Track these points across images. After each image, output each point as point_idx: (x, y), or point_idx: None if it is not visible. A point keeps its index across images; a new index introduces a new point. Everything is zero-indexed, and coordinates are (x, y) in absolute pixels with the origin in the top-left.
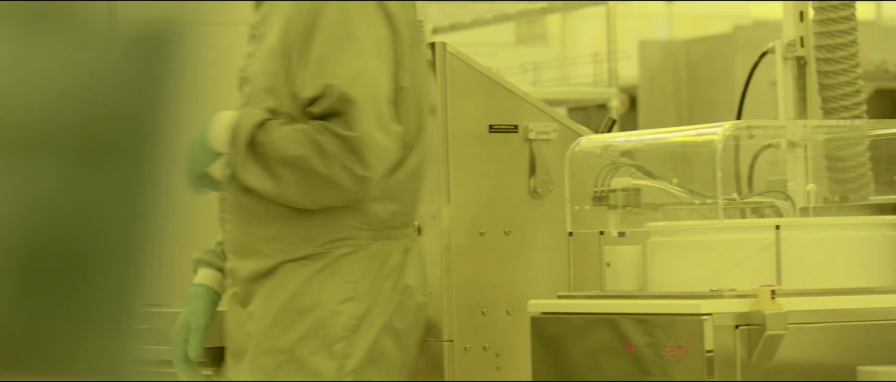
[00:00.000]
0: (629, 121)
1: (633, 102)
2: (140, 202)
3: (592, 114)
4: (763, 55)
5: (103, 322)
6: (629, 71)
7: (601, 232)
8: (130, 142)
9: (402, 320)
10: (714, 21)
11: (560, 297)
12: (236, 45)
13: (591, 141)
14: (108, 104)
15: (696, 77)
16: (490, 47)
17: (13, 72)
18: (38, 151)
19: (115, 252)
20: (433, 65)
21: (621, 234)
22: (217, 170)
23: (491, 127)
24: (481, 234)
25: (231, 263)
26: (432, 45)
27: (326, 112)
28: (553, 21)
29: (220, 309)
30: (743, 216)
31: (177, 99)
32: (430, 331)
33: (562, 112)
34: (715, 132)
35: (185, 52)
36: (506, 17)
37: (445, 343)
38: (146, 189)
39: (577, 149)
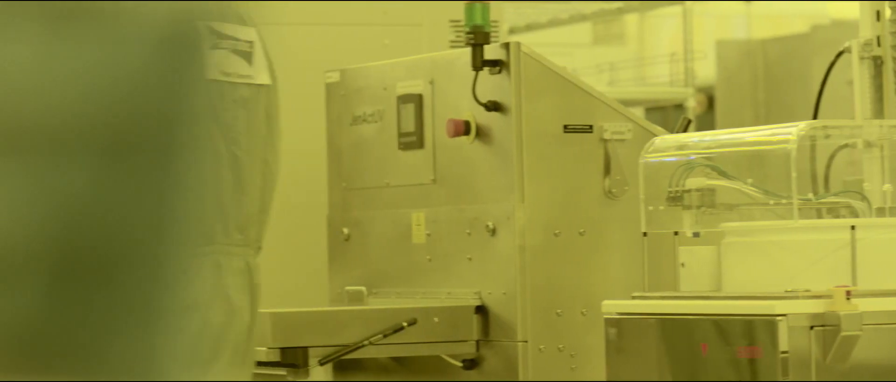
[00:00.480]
0: (707, 121)
1: (711, 102)
2: (167, 202)
3: (670, 115)
4: (839, 55)
5: (132, 323)
6: (707, 71)
7: (675, 233)
8: (158, 142)
9: None
10: (792, 21)
11: (634, 298)
12: (310, 45)
13: (666, 141)
14: (136, 104)
15: (774, 77)
16: (566, 47)
17: (41, 72)
18: (67, 152)
19: (144, 252)
20: (508, 64)
21: (696, 235)
22: None
23: (566, 127)
24: (556, 235)
25: None
26: (506, 45)
27: None
28: (631, 21)
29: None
30: (818, 216)
31: (203, 98)
32: (505, 332)
33: (638, 112)
34: (790, 132)
35: (210, 53)
36: (582, 18)
37: (520, 343)
38: (173, 189)
39: (651, 150)
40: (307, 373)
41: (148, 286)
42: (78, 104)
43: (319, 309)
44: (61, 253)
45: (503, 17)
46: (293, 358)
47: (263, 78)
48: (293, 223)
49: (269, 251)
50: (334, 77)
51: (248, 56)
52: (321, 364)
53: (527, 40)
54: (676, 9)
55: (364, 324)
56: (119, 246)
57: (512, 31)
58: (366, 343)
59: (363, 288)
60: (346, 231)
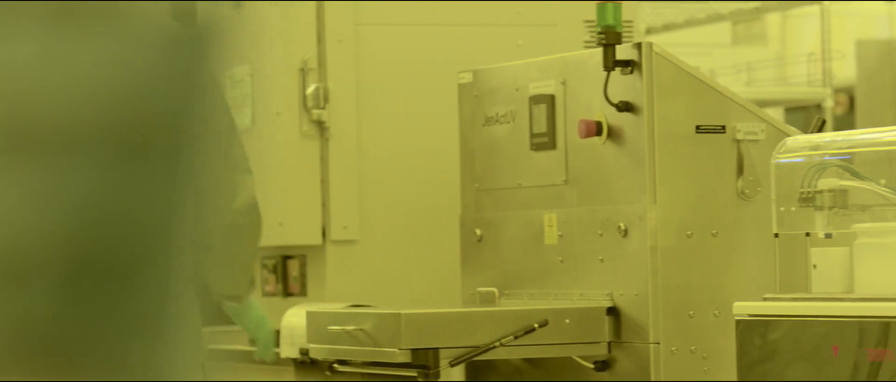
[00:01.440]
0: (847, 121)
1: (851, 103)
2: (178, 200)
3: (811, 115)
4: None
5: (144, 321)
6: (847, 71)
7: (807, 234)
8: (169, 140)
9: None
10: None
11: (765, 299)
12: (444, 45)
13: (798, 142)
14: (147, 103)
15: None
16: (705, 47)
17: (49, 70)
18: (80, 151)
19: (155, 250)
20: (639, 65)
21: (828, 236)
22: None
23: (698, 127)
24: (688, 236)
25: None
26: (638, 45)
27: None
28: (772, 21)
29: None
30: None
31: (214, 97)
32: (637, 334)
33: (778, 112)
34: None
35: (222, 51)
36: (719, 17)
37: (652, 345)
38: (185, 187)
39: (782, 150)
40: (438, 374)
41: (160, 284)
42: (88, 102)
43: (450, 310)
44: (74, 253)
45: (639, 17)
46: (424, 359)
47: None
48: (426, 224)
49: (402, 252)
50: (467, 78)
51: None
52: (452, 365)
53: (664, 40)
54: (816, 8)
55: (495, 326)
56: (131, 245)
57: (649, 31)
58: (497, 344)
59: (495, 290)
60: (478, 232)
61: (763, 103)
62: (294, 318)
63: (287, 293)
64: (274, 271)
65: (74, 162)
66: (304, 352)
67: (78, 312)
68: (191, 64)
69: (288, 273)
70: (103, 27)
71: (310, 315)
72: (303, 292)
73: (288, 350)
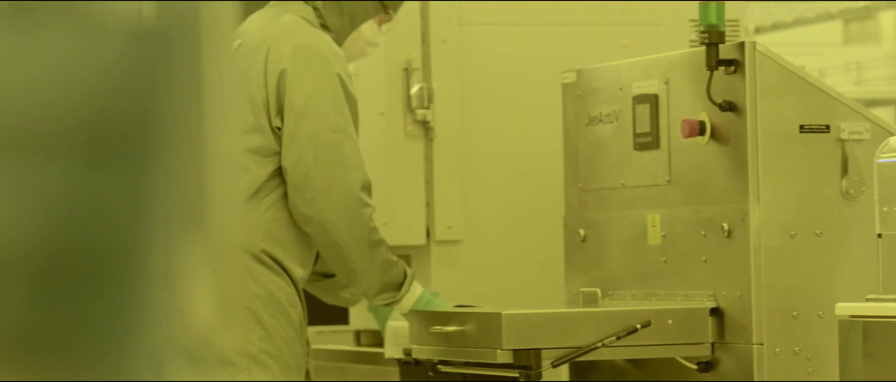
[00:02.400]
0: None
1: None
2: (150, 198)
3: None
4: None
5: (117, 320)
6: None
7: None
8: (138, 137)
9: None
10: None
11: (868, 300)
12: (549, 45)
13: None
14: (114, 100)
15: None
16: (816, 47)
17: (14, 68)
18: (48, 149)
19: (128, 249)
20: (743, 64)
21: None
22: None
23: (802, 127)
24: (792, 236)
25: None
26: (741, 45)
27: None
28: (887, 19)
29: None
30: None
31: (182, 93)
32: (740, 334)
33: (889, 112)
34: None
35: (188, 47)
36: (828, 16)
37: (755, 346)
38: (155, 185)
39: (885, 150)
40: (540, 375)
41: (131, 282)
42: (53, 100)
43: (552, 310)
44: (46, 252)
45: (747, 17)
46: (526, 360)
47: None
48: (530, 224)
49: (506, 252)
50: (571, 77)
51: None
52: (554, 366)
53: (773, 40)
54: None
55: (598, 326)
56: (102, 243)
57: (758, 30)
58: (599, 345)
59: (598, 290)
60: (582, 232)
61: (873, 103)
62: (398, 319)
63: None
64: None
65: (43, 160)
66: (408, 352)
67: (51, 311)
68: (158, 59)
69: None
70: (65, 23)
71: (412, 315)
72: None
73: (392, 351)
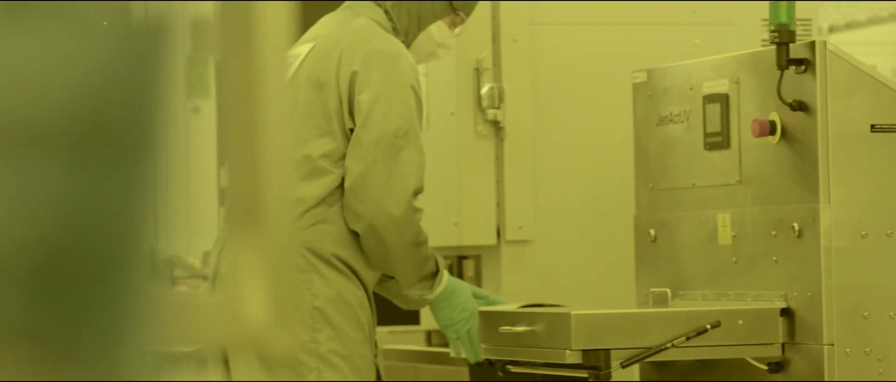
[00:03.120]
0: None
1: None
2: (141, 197)
3: None
4: None
5: (113, 321)
6: None
7: None
8: (129, 136)
9: None
10: None
11: None
12: (620, 45)
13: None
14: (105, 98)
15: None
16: (891, 46)
17: (8, 68)
18: (40, 149)
19: (121, 249)
20: (813, 63)
21: None
22: None
23: (873, 126)
24: (863, 236)
25: None
26: (812, 44)
27: None
28: None
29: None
30: None
31: (173, 91)
32: (811, 335)
33: None
34: None
35: (179, 44)
36: None
37: (826, 346)
38: (146, 184)
39: None
40: (609, 375)
41: (125, 282)
42: (44, 99)
43: (622, 311)
44: (40, 251)
45: (821, 16)
46: (595, 360)
47: None
48: (601, 224)
49: (576, 252)
50: (641, 77)
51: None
52: (623, 366)
53: (847, 39)
54: None
55: (667, 327)
56: (96, 244)
57: (831, 29)
58: (669, 345)
59: (667, 290)
60: (652, 232)
61: None
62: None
63: None
64: (449, 271)
65: (36, 160)
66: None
67: (45, 310)
68: (148, 58)
69: (463, 273)
70: (56, 22)
71: (482, 315)
72: None
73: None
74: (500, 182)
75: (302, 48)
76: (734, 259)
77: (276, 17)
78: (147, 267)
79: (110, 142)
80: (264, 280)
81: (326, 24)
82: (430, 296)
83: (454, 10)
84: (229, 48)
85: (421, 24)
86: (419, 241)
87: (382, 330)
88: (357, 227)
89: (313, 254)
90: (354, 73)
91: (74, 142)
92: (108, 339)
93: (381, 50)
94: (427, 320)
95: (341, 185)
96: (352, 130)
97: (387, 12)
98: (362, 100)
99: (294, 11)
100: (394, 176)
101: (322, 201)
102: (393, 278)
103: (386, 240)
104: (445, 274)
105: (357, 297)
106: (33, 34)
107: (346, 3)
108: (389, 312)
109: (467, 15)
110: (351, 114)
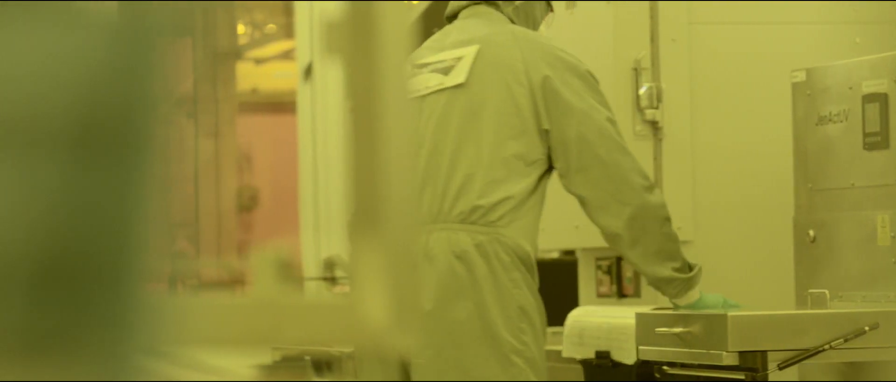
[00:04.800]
0: None
1: None
2: (140, 195)
3: None
4: None
5: (109, 320)
6: None
7: None
8: (127, 134)
9: None
10: None
11: None
12: (780, 44)
13: None
14: (102, 98)
15: None
16: None
17: (3, 68)
18: (39, 148)
19: (123, 248)
20: None
21: None
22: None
23: None
24: None
25: None
26: None
27: None
28: None
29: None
30: None
31: (169, 89)
32: None
33: None
34: None
35: (174, 41)
36: None
37: None
38: (144, 183)
39: None
40: (766, 377)
41: (129, 281)
42: (41, 97)
43: (778, 312)
44: (43, 253)
45: None
46: (752, 362)
47: (452, 81)
48: (759, 224)
49: (735, 252)
50: (800, 76)
51: (445, 70)
52: (780, 368)
53: None
54: None
55: (825, 328)
56: (98, 243)
57: None
58: (826, 347)
59: (826, 291)
60: (811, 233)
61: None
62: (584, 318)
63: (621, 294)
64: (608, 272)
65: (33, 160)
66: (603, 355)
67: (46, 312)
68: (146, 57)
69: (622, 274)
70: (52, 21)
71: (639, 316)
72: (636, 293)
73: (572, 351)
74: (658, 182)
75: (465, 51)
76: (894, 260)
77: (397, 18)
78: (146, 268)
79: (108, 141)
80: (384, 282)
81: (473, 29)
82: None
83: (550, 8)
84: (353, 48)
85: (535, 25)
86: (668, 216)
87: None
88: (618, 223)
89: (515, 253)
90: (546, 77)
91: (73, 141)
92: (108, 340)
93: (559, 51)
94: None
95: (533, 186)
96: (547, 131)
97: (509, 16)
98: (566, 100)
99: (408, 11)
100: (625, 158)
101: (521, 201)
102: None
103: (648, 227)
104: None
105: (539, 299)
106: (30, 34)
107: (473, 7)
108: (548, 313)
109: (552, 11)
110: (548, 117)
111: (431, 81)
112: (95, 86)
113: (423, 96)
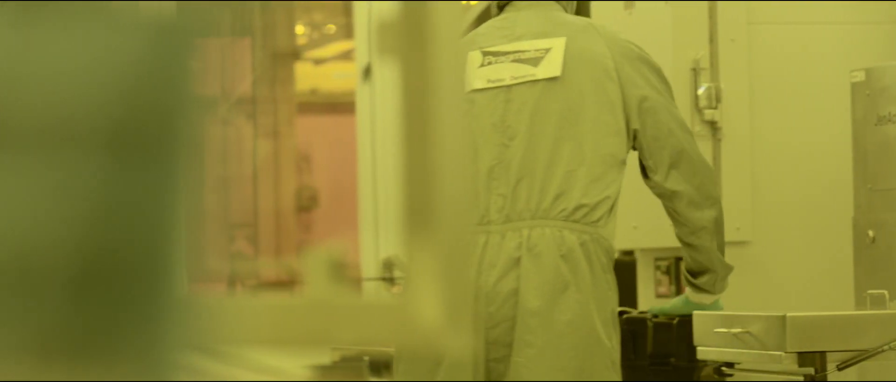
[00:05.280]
0: None
1: None
2: (177, 194)
3: None
4: None
5: (147, 321)
6: None
7: None
8: (164, 134)
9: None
10: None
11: None
12: (839, 44)
13: None
14: (138, 98)
15: None
16: None
17: (44, 67)
18: (73, 148)
19: (160, 248)
20: None
21: None
22: None
23: None
24: None
25: None
26: None
27: None
28: None
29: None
30: None
31: (202, 89)
32: None
33: None
34: None
35: (207, 41)
36: None
37: None
38: (184, 183)
39: None
40: (825, 378)
41: (167, 281)
42: (77, 97)
43: (837, 313)
44: (82, 253)
45: None
46: (810, 362)
47: (546, 73)
48: (818, 224)
49: (794, 253)
50: (860, 76)
51: (534, 61)
52: (839, 368)
53: None
54: None
55: (884, 329)
56: (136, 243)
57: None
58: (885, 348)
59: (885, 292)
60: (871, 234)
61: None
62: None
63: (681, 294)
64: (667, 272)
65: (71, 160)
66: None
67: (86, 314)
68: (181, 57)
69: (681, 274)
70: (89, 21)
71: (697, 317)
72: None
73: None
74: (717, 182)
75: (552, 42)
76: None
77: (450, 18)
78: (189, 268)
79: (147, 141)
80: (437, 282)
81: (543, 20)
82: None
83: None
84: (406, 48)
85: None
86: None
87: None
88: (708, 216)
89: (610, 255)
90: (632, 75)
91: (111, 141)
92: (146, 340)
93: (637, 47)
94: None
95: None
96: (635, 131)
97: (563, 8)
98: (653, 98)
99: (472, 13)
100: (706, 164)
101: (615, 201)
102: None
103: (721, 230)
104: None
105: None
106: (67, 33)
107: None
108: None
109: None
110: (636, 116)
111: (518, 72)
112: (134, 86)
113: (509, 86)
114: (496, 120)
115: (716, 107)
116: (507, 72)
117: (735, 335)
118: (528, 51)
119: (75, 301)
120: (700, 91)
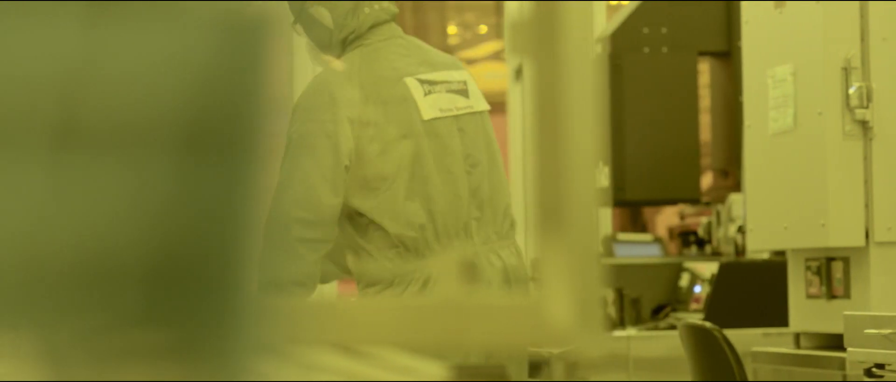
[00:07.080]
0: None
1: None
2: (249, 194)
3: None
4: None
5: (229, 320)
6: None
7: None
8: (236, 133)
9: None
10: None
11: None
12: None
13: None
14: (210, 97)
15: None
16: None
17: (119, 68)
18: (147, 148)
19: (234, 247)
20: None
21: None
22: None
23: None
24: None
25: None
26: None
27: None
28: None
29: None
30: None
31: (274, 87)
32: None
33: None
34: None
35: (279, 39)
36: None
37: None
38: (254, 179)
39: None
40: None
41: (240, 280)
42: (151, 97)
43: None
44: (157, 253)
45: None
46: None
47: (481, 106)
48: None
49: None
50: None
51: (464, 92)
52: None
53: None
54: None
55: None
56: (210, 243)
57: None
58: None
59: None
60: None
61: None
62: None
63: (831, 295)
64: (817, 273)
65: (148, 160)
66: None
67: (162, 313)
68: (252, 53)
69: (831, 275)
70: (161, 21)
71: (848, 318)
72: (846, 294)
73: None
74: (868, 182)
75: (462, 74)
76: None
77: (582, 18)
78: (253, 264)
79: (219, 139)
80: (568, 283)
81: (423, 49)
82: None
83: None
84: (538, 48)
85: None
86: None
87: (755, 332)
88: None
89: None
90: None
91: (184, 142)
92: (219, 340)
93: None
94: (796, 322)
95: None
96: None
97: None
98: None
99: (624, 12)
100: None
101: None
102: None
103: None
104: None
105: None
106: (140, 34)
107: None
108: (759, 314)
109: None
110: None
111: (458, 103)
112: (207, 86)
113: (457, 116)
114: (458, 148)
115: (867, 107)
116: (449, 103)
117: (885, 336)
118: (452, 82)
119: (150, 300)
120: (851, 90)
